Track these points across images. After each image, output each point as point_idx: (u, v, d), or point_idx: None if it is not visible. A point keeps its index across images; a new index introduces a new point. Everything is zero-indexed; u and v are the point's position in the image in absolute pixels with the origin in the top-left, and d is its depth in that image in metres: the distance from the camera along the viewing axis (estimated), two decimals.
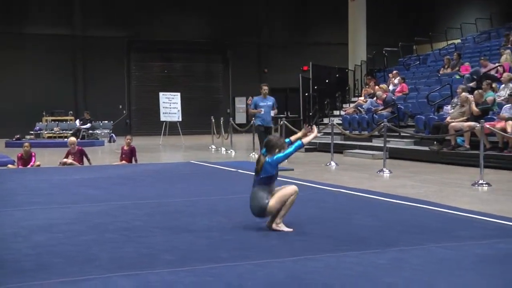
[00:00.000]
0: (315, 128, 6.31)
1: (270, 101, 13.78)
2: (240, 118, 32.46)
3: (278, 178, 5.84)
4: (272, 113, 13.97)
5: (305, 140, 5.94)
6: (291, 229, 5.53)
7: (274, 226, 5.55)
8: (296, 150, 5.77)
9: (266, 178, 5.59)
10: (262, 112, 13.48)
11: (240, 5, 32.96)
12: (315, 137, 6.40)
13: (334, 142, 14.19)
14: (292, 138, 6.08)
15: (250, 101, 33.74)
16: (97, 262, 4.41)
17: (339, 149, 15.69)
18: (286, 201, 5.52)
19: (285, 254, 4.65)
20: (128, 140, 13.65)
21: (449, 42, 23.50)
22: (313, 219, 6.22)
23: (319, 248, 4.84)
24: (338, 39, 30.54)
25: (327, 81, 22.08)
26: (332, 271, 4.18)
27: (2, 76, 28.33)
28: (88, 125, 24.97)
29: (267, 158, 5.62)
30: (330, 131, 14.47)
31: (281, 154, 5.64)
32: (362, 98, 19.72)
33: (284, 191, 5.58)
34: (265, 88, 13.85)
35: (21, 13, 29.14)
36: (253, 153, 16.41)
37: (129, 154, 13.52)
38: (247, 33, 33.07)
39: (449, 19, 31.19)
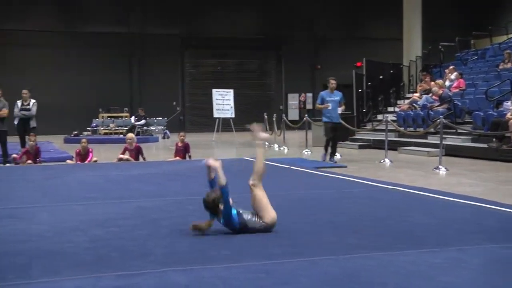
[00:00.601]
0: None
1: (338, 96, 13.14)
2: (293, 114, 32.39)
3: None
4: (340, 109, 13.35)
5: (220, 181, 5.22)
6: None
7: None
8: (223, 188, 5.16)
9: (229, 221, 5.20)
10: (330, 108, 12.90)
11: (294, 1, 32.84)
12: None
13: (388, 139, 14.00)
14: (209, 178, 5.43)
15: (303, 98, 33.77)
16: (152, 257, 4.46)
17: (393, 146, 15.46)
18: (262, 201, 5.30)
19: (339, 251, 4.60)
20: (182, 137, 13.81)
21: (510, 36, 22.82)
22: (367, 216, 6.14)
23: (374, 246, 4.77)
24: (392, 34, 30.07)
25: (381, 77, 21.78)
26: (387, 269, 4.11)
27: (61, 74, 29.08)
28: (143, 121, 25.40)
29: (220, 221, 5.19)
30: (384, 128, 14.29)
31: (223, 210, 5.13)
32: (417, 94, 19.38)
33: (260, 195, 5.32)
34: (332, 82, 13.13)
35: (80, 12, 29.86)
36: (306, 149, 16.36)
37: (183, 151, 13.68)
38: (300, 29, 32.93)
39: (510, 12, 30.32)
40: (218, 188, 5.21)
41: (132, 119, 26.29)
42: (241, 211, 5.23)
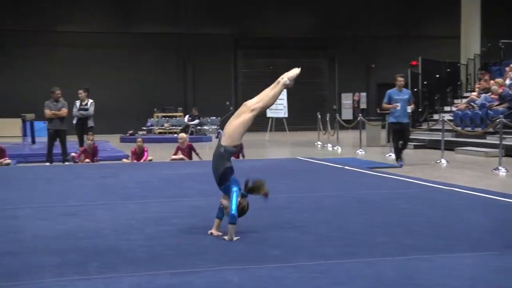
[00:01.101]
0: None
1: (406, 94, 12.35)
2: (347, 114, 32.16)
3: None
4: (409, 108, 12.62)
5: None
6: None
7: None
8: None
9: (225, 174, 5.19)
10: (398, 107, 12.07)
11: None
12: None
13: (445, 139, 13.73)
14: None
15: (357, 97, 33.46)
16: (207, 255, 4.50)
17: (450, 146, 15.15)
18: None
19: (395, 252, 4.53)
20: None
21: None
22: (422, 217, 6.02)
23: (430, 247, 4.68)
24: (449, 31, 29.47)
25: (437, 76, 21.37)
26: (446, 272, 4.02)
27: (117, 74, 29.69)
28: (196, 121, 25.68)
29: (242, 192, 5.15)
30: (440, 128, 14.00)
31: (234, 203, 5.05)
32: (475, 93, 18.91)
33: (247, 123, 5.27)
34: (400, 80, 12.29)
35: (134, 14, 30.41)
36: (360, 149, 16.20)
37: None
38: (353, 27, 32.65)
39: None
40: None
41: (186, 118, 26.60)
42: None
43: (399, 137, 12.35)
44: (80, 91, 14.04)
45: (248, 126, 5.30)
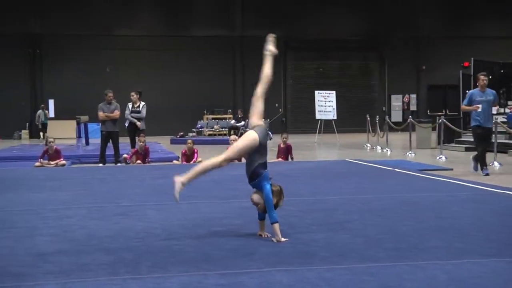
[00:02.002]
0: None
1: (491, 95, 11.06)
2: (396, 116, 31.79)
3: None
4: (494, 109, 11.44)
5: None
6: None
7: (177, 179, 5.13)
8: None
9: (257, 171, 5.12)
10: (479, 110, 10.82)
11: (397, 0, 32.24)
12: None
13: (498, 141, 13.42)
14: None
15: (407, 99, 33.02)
16: (256, 256, 4.53)
17: (503, 148, 14.81)
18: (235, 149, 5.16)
19: (446, 256, 4.47)
20: (285, 138, 13.89)
21: None
22: (474, 221, 5.91)
23: (483, 252, 4.60)
24: (503, 31, 28.82)
25: (490, 77, 20.89)
26: (501, 277, 3.94)
27: (168, 77, 30.10)
28: (242, 122, 25.84)
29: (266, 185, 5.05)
30: (493, 130, 13.69)
31: (269, 201, 4.98)
32: None
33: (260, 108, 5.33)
34: (483, 79, 11.12)
35: (185, 17, 30.77)
36: (410, 151, 16.00)
37: (285, 152, 13.76)
38: (403, 28, 32.24)
39: None
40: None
41: (233, 121, 26.79)
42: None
43: (484, 143, 11.02)
44: (133, 94, 14.25)
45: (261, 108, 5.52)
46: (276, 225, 4.98)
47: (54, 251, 4.77)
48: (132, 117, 14.04)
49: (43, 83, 29.81)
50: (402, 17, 32.28)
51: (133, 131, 14.06)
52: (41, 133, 26.58)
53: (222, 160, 5.08)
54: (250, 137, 5.13)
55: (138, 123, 13.96)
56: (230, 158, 5.14)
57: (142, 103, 14.17)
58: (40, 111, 27.71)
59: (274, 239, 5.00)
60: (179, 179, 5.08)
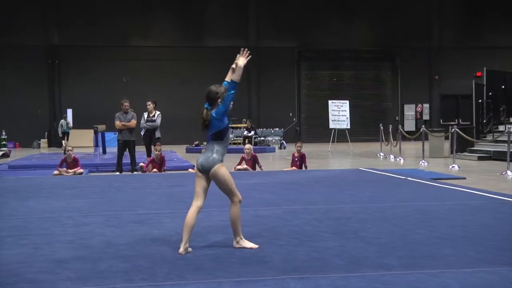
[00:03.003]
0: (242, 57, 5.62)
1: None
2: (409, 125, 31.75)
3: None
4: None
5: (235, 76, 5.33)
6: (256, 246, 5.13)
7: (235, 245, 5.17)
8: (234, 90, 5.25)
9: (217, 133, 5.23)
10: None
11: (409, 10, 32.26)
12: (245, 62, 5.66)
13: (511, 150, 13.36)
14: (227, 78, 5.44)
15: (419, 108, 32.94)
16: (270, 264, 4.57)
17: None
18: (226, 184, 5.16)
19: (459, 264, 4.49)
20: (299, 147, 13.94)
21: None
22: (488, 229, 5.93)
23: (496, 260, 4.62)
24: None
25: (503, 87, 20.84)
26: (510, 286, 3.97)
27: (184, 86, 30.26)
28: (252, 132, 25.96)
29: (212, 113, 5.20)
30: (506, 139, 13.66)
31: (220, 105, 5.17)
32: None
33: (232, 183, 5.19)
34: None
35: (200, 28, 30.97)
36: (423, 161, 15.99)
37: (299, 161, 13.80)
38: (416, 38, 32.25)
39: None
40: (224, 86, 5.32)
41: (245, 131, 26.93)
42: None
43: None
44: (149, 103, 14.37)
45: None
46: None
47: (71, 258, 4.84)
48: (148, 125, 14.17)
49: (61, 93, 30.15)
50: (415, 28, 32.28)
51: (149, 140, 14.18)
52: (63, 142, 27.00)
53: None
54: (226, 172, 5.20)
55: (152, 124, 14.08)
56: (237, 194, 5.23)
57: (158, 112, 14.27)
58: (62, 120, 28.11)
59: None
60: (237, 244, 5.21)
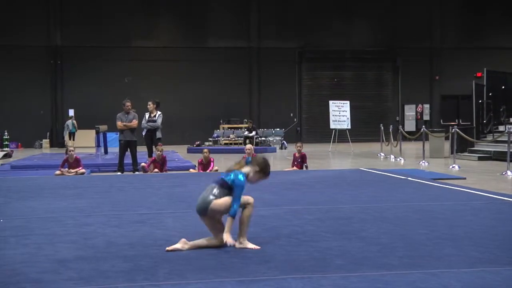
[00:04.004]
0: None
1: None
2: (410, 125, 31.80)
3: None
4: None
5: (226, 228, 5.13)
6: (258, 247, 5.11)
7: (238, 245, 5.12)
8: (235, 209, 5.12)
9: (226, 184, 5.19)
10: None
11: (410, 11, 32.32)
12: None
13: (511, 150, 13.39)
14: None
15: (420, 109, 32.97)
16: (272, 264, 4.58)
17: None
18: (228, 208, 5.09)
19: (460, 264, 4.51)
20: (299, 147, 13.96)
21: None
22: (489, 229, 5.94)
23: (497, 260, 4.63)
24: None
25: (503, 87, 20.86)
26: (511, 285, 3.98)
27: (185, 87, 30.34)
28: (253, 132, 26.02)
29: (242, 170, 5.21)
30: (506, 139, 13.68)
31: (239, 192, 5.11)
32: None
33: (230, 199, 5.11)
34: None
35: (202, 29, 31.03)
36: (423, 161, 16.02)
37: (300, 161, 13.83)
38: (417, 39, 32.32)
39: None
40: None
41: (246, 132, 26.99)
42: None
43: None
44: (150, 103, 14.40)
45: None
46: (231, 220, 5.10)
47: (74, 258, 4.86)
48: (148, 126, 14.20)
49: (63, 94, 30.24)
50: (415, 28, 32.33)
51: (150, 140, 14.21)
52: (70, 142, 27.24)
53: (251, 203, 5.30)
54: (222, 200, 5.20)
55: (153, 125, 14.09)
56: (247, 199, 5.30)
57: (159, 112, 14.30)
58: (69, 121, 28.29)
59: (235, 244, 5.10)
60: (240, 245, 5.18)
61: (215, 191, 5.19)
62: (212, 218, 5.20)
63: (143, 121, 14.25)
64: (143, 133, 14.35)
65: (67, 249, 5.22)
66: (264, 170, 5.31)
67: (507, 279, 4.10)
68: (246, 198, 5.23)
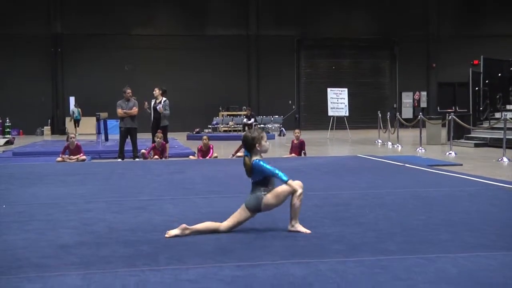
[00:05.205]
0: None
1: None
2: (407, 112, 31.88)
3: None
4: None
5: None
6: (309, 231, 5.18)
7: (290, 228, 5.23)
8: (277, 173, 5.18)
9: (260, 181, 5.22)
10: None
11: None
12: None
13: (507, 137, 13.46)
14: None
15: (417, 96, 33.00)
16: (271, 249, 4.63)
17: None
18: (281, 197, 5.16)
19: (456, 249, 4.55)
20: (297, 134, 14.00)
21: None
22: (485, 215, 5.99)
23: (494, 245, 4.68)
24: None
25: (499, 74, 20.88)
26: (508, 270, 4.02)
27: (185, 75, 30.33)
28: (252, 120, 26.06)
29: (253, 160, 5.19)
30: (502, 126, 13.74)
31: (268, 167, 5.16)
32: None
33: (282, 187, 5.17)
34: None
35: (202, 17, 30.99)
36: (420, 147, 16.08)
37: (298, 148, 13.87)
38: (414, 27, 32.31)
39: None
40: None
41: (245, 119, 27.04)
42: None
43: None
44: (155, 89, 14.26)
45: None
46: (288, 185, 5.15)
47: (75, 243, 4.91)
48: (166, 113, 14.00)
49: (64, 81, 30.24)
50: (413, 16, 32.31)
51: (156, 128, 14.12)
52: (75, 129, 27.33)
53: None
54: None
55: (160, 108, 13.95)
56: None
57: (164, 99, 14.12)
58: (74, 108, 28.34)
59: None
60: (292, 228, 5.25)
61: (262, 188, 5.22)
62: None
63: (159, 106, 14.02)
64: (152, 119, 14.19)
65: (69, 235, 5.27)
66: (257, 137, 5.26)
67: (502, 263, 4.15)
68: (292, 187, 5.23)
